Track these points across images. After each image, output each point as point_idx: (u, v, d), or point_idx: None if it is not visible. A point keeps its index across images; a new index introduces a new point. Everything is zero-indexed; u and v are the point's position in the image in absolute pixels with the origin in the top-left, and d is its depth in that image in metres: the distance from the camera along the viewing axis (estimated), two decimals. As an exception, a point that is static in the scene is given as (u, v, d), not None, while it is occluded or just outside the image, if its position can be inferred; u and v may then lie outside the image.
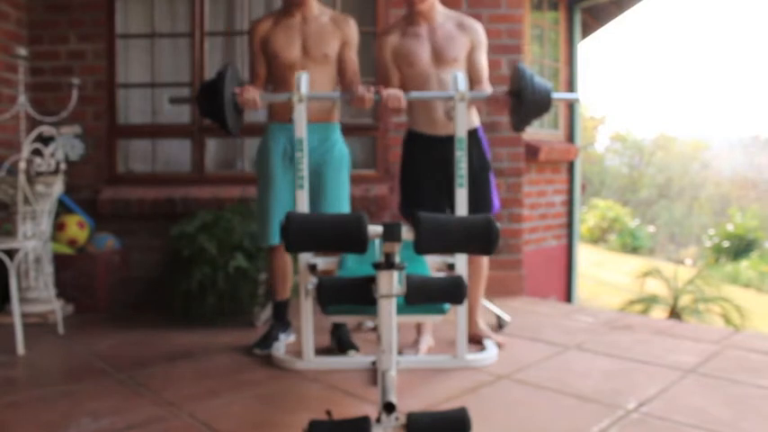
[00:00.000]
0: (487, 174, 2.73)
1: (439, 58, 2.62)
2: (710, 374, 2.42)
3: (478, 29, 2.68)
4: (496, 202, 2.80)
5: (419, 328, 2.78)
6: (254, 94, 2.53)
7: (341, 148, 2.75)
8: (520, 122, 2.52)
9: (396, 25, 2.74)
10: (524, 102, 2.39)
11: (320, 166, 2.68)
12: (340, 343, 2.75)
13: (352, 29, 2.70)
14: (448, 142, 2.56)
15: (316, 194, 2.67)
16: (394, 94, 2.50)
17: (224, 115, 2.45)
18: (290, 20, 2.67)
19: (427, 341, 2.76)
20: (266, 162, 2.73)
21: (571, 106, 5.06)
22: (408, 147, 2.77)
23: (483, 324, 2.89)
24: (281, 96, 2.59)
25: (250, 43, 2.75)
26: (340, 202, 2.72)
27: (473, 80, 2.66)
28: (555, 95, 2.45)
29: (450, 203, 2.60)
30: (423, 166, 2.70)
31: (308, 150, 2.59)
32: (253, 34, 2.73)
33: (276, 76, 2.66)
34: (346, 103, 2.61)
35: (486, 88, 2.65)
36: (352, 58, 2.71)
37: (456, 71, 2.54)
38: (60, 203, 3.46)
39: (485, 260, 2.83)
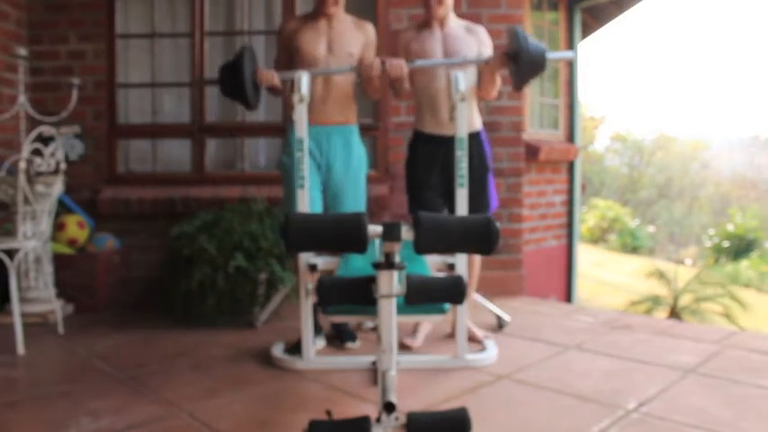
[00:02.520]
0: (487, 176, 2.80)
1: (450, 57, 2.71)
2: (710, 374, 2.42)
3: (484, 33, 2.80)
4: (494, 202, 2.87)
5: None
6: (271, 76, 2.65)
7: (359, 151, 2.84)
8: (519, 82, 2.60)
9: (412, 27, 2.87)
10: (521, 62, 2.48)
11: (342, 169, 2.77)
12: (340, 335, 2.80)
13: (372, 33, 2.85)
14: (452, 143, 2.62)
15: (335, 196, 2.78)
16: (397, 62, 2.62)
17: (246, 92, 2.59)
18: (316, 23, 2.79)
19: (425, 329, 2.88)
20: (291, 165, 2.73)
21: (571, 106, 5.06)
22: (413, 147, 2.84)
23: (469, 321, 2.89)
24: (296, 74, 2.62)
25: (278, 41, 2.88)
26: (357, 205, 2.80)
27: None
28: (550, 55, 2.54)
29: (449, 203, 2.68)
30: (426, 165, 2.77)
31: (333, 153, 2.74)
32: (281, 31, 2.86)
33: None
34: (356, 74, 2.71)
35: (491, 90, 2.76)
36: (372, 57, 2.79)
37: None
38: (60, 203, 3.46)
39: (477, 258, 2.87)
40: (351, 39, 2.77)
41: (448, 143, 2.67)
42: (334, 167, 2.75)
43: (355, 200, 2.79)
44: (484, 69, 2.69)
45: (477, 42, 2.76)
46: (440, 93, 2.72)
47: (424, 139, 2.79)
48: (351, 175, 2.79)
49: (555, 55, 2.81)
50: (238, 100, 2.68)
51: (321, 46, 2.74)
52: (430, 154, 2.76)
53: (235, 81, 2.59)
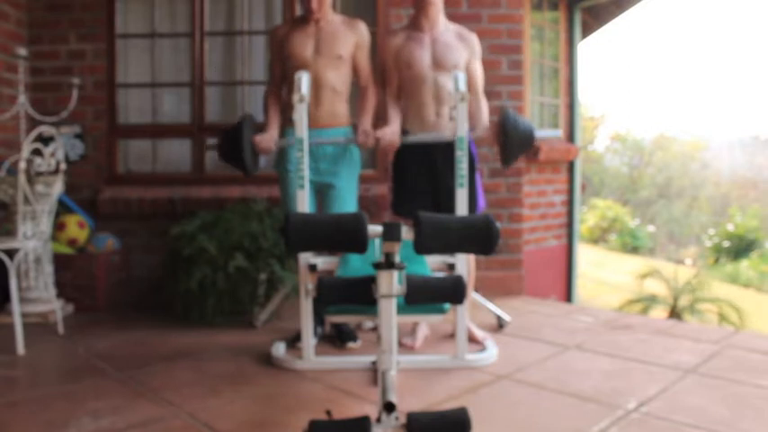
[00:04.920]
0: (474, 176, 2.81)
1: (438, 63, 2.75)
2: (710, 374, 2.42)
3: (475, 41, 2.83)
4: (482, 201, 2.90)
5: None
6: (268, 143, 2.72)
7: (352, 152, 2.86)
8: (507, 159, 2.70)
9: (401, 30, 2.88)
10: (509, 142, 2.61)
11: (334, 170, 2.80)
12: (340, 334, 2.81)
13: (364, 32, 2.84)
14: (434, 145, 2.74)
15: (326, 195, 2.84)
16: (390, 136, 2.69)
17: (245, 162, 2.68)
18: (305, 25, 2.81)
19: (423, 330, 2.88)
20: (285, 168, 2.81)
21: (571, 106, 5.06)
22: (400, 147, 2.86)
23: (469, 321, 2.90)
24: (296, 74, 2.67)
25: (270, 47, 2.93)
26: (348, 205, 2.82)
27: (469, 89, 2.75)
28: (538, 134, 2.69)
29: (436, 204, 2.75)
30: (411, 166, 2.81)
31: (323, 155, 2.77)
32: (271, 38, 2.91)
33: (291, 76, 2.73)
34: (352, 142, 2.79)
35: (481, 98, 2.83)
36: (365, 61, 2.85)
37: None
38: (60, 203, 3.46)
39: (472, 257, 2.88)
40: (340, 40, 2.77)
41: (433, 146, 2.76)
42: (321, 170, 2.78)
43: (345, 202, 2.81)
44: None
45: (468, 51, 2.79)
46: (427, 97, 2.76)
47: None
48: (341, 178, 2.81)
49: (543, 134, 2.96)
50: (238, 167, 2.74)
51: (309, 48, 2.76)
52: (414, 156, 2.80)
53: (234, 150, 2.67)
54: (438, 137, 2.71)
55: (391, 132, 2.70)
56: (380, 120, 2.91)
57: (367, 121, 2.78)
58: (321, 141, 2.72)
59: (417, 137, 2.74)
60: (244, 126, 2.68)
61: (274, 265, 3.18)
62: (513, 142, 2.61)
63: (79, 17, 3.91)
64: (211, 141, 3.98)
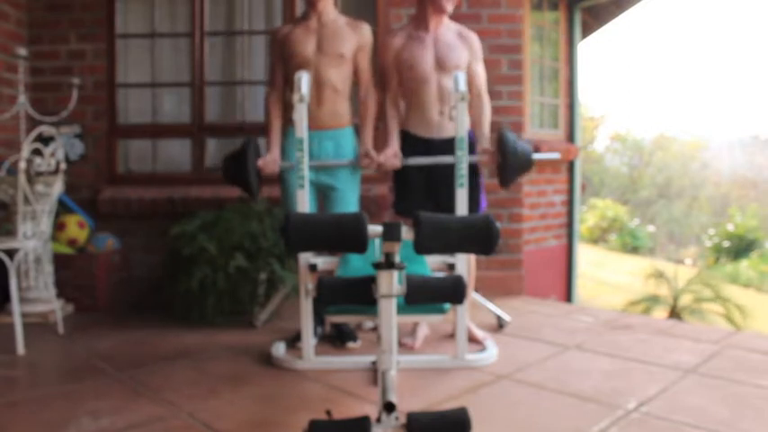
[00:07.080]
0: (477, 177, 2.80)
1: (441, 64, 2.74)
2: (710, 374, 2.42)
3: (475, 41, 2.82)
4: (484, 202, 2.90)
5: None
6: (272, 166, 2.72)
7: (354, 152, 2.84)
8: (506, 181, 2.69)
9: (401, 30, 2.85)
10: (508, 165, 2.60)
11: (335, 171, 2.80)
12: (340, 334, 2.81)
13: (367, 34, 2.82)
14: (436, 144, 2.75)
15: (328, 197, 2.83)
16: (392, 159, 2.71)
17: (251, 186, 2.71)
18: (307, 23, 2.80)
19: (423, 330, 2.87)
20: (288, 168, 2.79)
21: (571, 106, 5.06)
22: (401, 147, 2.84)
23: (469, 321, 2.90)
24: (297, 73, 2.65)
25: (271, 48, 2.90)
26: (350, 206, 2.82)
27: (471, 90, 2.75)
28: (536, 156, 2.71)
29: (436, 204, 2.73)
30: (412, 166, 2.78)
31: (324, 154, 2.76)
32: (273, 39, 2.88)
33: (292, 75, 2.70)
34: (354, 165, 2.81)
35: (484, 98, 2.81)
36: (366, 63, 2.83)
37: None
38: (60, 203, 3.46)
39: (472, 257, 2.88)
40: (343, 39, 2.75)
41: (432, 145, 2.76)
42: (322, 171, 2.77)
43: (346, 202, 2.80)
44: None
45: (469, 51, 2.77)
46: (430, 96, 2.75)
47: (409, 139, 2.82)
48: (341, 179, 2.80)
49: (541, 156, 3.08)
50: (243, 190, 2.76)
51: (311, 45, 2.74)
52: (416, 155, 2.78)
53: (239, 173, 2.70)
54: (436, 161, 2.72)
55: (393, 155, 2.72)
56: (381, 121, 2.90)
57: (368, 138, 2.78)
58: (325, 164, 2.75)
59: (417, 160, 2.74)
60: (248, 151, 2.69)
61: (274, 265, 3.18)
62: (512, 166, 2.60)
63: (79, 17, 3.91)
64: (211, 141, 3.99)
